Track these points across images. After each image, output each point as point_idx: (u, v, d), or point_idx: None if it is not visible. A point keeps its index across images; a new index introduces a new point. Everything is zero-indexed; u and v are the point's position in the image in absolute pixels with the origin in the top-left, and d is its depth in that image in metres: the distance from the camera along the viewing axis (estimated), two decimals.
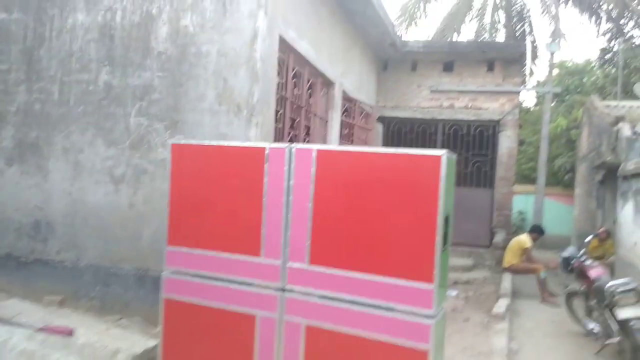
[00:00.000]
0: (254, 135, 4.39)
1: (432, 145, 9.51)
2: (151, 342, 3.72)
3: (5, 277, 5.13)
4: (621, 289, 4.79)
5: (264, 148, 2.97)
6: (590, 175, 11.19)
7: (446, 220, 2.68)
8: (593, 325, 5.49)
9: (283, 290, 2.93)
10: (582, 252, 6.13)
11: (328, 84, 6.71)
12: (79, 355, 3.42)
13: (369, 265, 2.73)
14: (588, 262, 5.82)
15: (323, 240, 2.83)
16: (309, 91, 6.09)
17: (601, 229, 8.31)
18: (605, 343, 5.01)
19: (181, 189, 3.20)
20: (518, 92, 9.59)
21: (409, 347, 2.62)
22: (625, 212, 7.03)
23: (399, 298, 2.66)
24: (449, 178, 2.65)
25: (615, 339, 4.83)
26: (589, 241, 6.87)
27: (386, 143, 9.76)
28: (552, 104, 13.79)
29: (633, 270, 6.21)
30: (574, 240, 12.34)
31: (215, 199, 3.10)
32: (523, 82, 10.12)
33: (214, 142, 3.16)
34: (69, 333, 3.68)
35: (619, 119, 8.94)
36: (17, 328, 3.70)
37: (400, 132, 9.83)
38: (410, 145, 9.16)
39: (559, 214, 14.10)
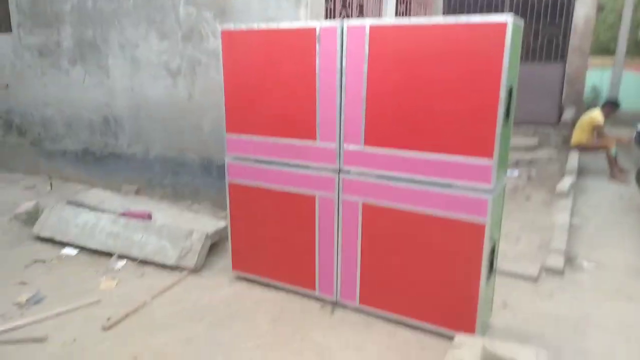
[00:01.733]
0: (304, 16, 4.20)
1: None
2: (221, 223, 4.02)
3: (86, 170, 5.60)
4: None
5: (315, 27, 2.85)
6: None
7: (509, 92, 2.54)
8: None
9: (339, 171, 2.99)
10: None
11: None
12: (158, 235, 3.77)
13: (426, 143, 2.69)
14: None
15: (378, 120, 2.80)
16: None
17: None
18: None
19: (235, 76, 3.20)
20: None
21: (466, 221, 2.65)
22: None
23: (457, 174, 2.64)
24: (514, 46, 2.45)
25: None
26: None
27: None
28: None
29: None
30: None
31: (268, 85, 3.09)
32: None
33: (263, 25, 3.05)
34: (148, 217, 4.04)
35: None
36: (103, 213, 4.10)
37: (463, 4, 9.04)
38: None
39: (638, 87, 12.97)
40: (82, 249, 3.95)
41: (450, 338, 2.60)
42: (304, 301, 3.27)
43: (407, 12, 7.37)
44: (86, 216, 4.03)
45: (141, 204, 4.49)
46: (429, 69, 2.60)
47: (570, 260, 4.05)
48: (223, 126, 3.34)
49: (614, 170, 7.06)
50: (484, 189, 2.59)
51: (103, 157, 5.47)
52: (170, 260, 3.62)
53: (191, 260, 3.58)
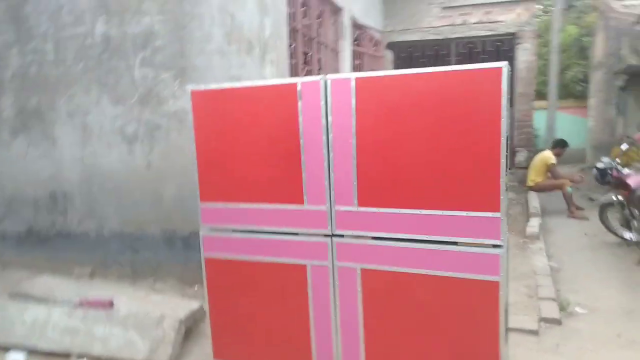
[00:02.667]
0: (269, 73, 4.06)
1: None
2: (194, 304, 3.60)
3: (29, 254, 4.98)
4: None
5: (295, 83, 2.66)
6: (607, 83, 10.79)
7: (506, 140, 2.42)
8: (631, 234, 5.42)
9: (332, 236, 2.72)
10: (616, 161, 5.94)
11: (336, 10, 6.23)
12: (123, 326, 3.28)
13: (425, 199, 2.49)
14: (625, 171, 5.64)
15: (372, 178, 2.58)
16: (319, 20, 5.64)
17: (638, 135, 7.93)
18: None
19: (208, 140, 2.92)
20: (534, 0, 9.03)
21: (477, 280, 2.44)
22: None
23: (463, 231, 2.44)
24: (506, 93, 2.36)
25: None
26: (627, 149, 6.54)
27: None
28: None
29: None
30: (589, 152, 12.13)
31: (247, 147, 2.82)
32: None
33: (238, 84, 2.83)
34: (109, 305, 3.54)
35: None
36: (54, 306, 3.55)
37: (411, 56, 9.36)
38: None
39: (571, 127, 13.77)
40: (31, 351, 3.36)
41: None
42: None
43: (361, 66, 7.47)
44: (35, 311, 3.46)
45: (99, 289, 3.97)
46: (423, 120, 2.45)
47: (562, 307, 3.95)
48: (187, 194, 3.03)
49: (572, 208, 7.24)
50: (493, 245, 2.41)
51: (50, 238, 4.90)
52: (140, 354, 3.12)
53: (165, 353, 3.11)
